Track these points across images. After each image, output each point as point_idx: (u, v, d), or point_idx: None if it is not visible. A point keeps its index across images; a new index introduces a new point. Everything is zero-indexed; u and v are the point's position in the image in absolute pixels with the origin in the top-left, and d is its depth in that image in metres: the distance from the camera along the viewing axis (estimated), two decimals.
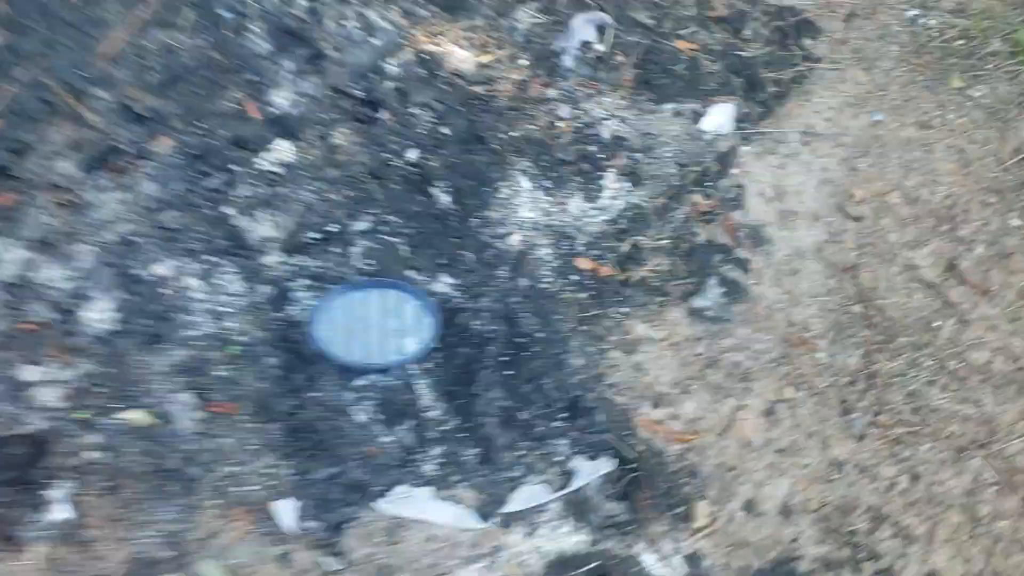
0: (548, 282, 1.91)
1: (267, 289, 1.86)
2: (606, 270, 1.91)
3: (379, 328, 1.82)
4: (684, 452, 1.73)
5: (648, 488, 1.67)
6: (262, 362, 1.80)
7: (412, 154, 1.98)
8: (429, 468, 1.73)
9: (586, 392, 1.80)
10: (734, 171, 2.09)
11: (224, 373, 1.79)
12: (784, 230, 2.01)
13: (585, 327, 1.87)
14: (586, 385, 1.81)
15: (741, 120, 2.17)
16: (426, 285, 1.88)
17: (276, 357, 1.81)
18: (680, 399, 1.78)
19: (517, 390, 1.79)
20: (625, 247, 1.94)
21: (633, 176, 2.02)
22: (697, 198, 2.03)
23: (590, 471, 1.70)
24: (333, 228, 1.88)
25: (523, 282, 1.91)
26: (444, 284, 1.89)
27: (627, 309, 1.89)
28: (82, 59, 1.99)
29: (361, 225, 1.90)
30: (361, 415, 1.78)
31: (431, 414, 1.77)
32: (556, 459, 1.73)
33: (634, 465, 1.69)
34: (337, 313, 1.81)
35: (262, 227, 1.90)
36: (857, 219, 2.04)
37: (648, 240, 1.96)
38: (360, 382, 1.80)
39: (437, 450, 1.75)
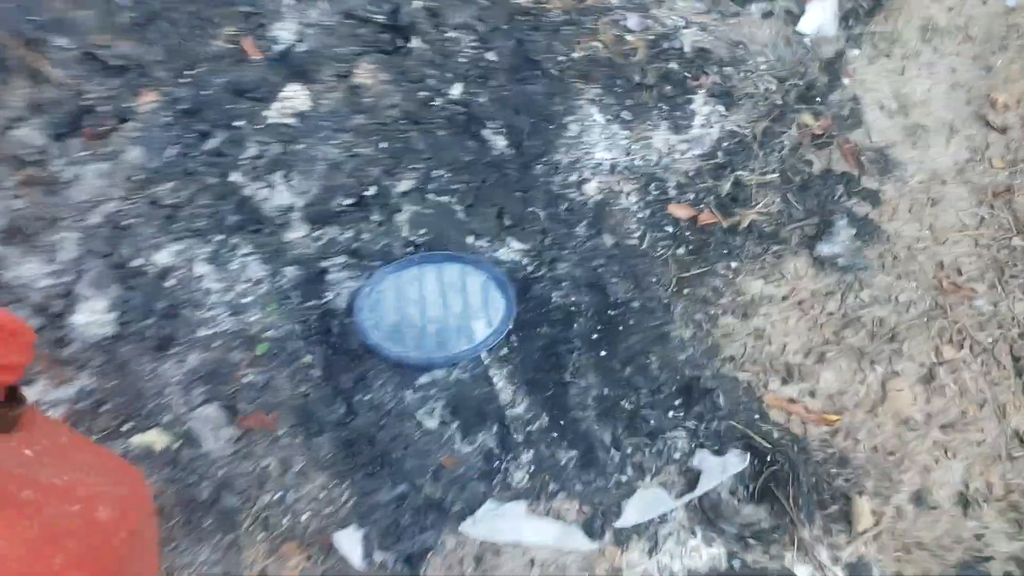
0: (637, 237, 1.55)
1: (295, 271, 1.50)
2: (706, 217, 1.55)
3: (440, 312, 1.47)
4: (830, 436, 1.41)
5: (792, 485, 1.35)
6: (299, 362, 1.45)
7: (455, 90, 1.59)
8: (519, 478, 1.41)
9: (700, 370, 1.47)
10: (845, 81, 1.71)
11: (254, 378, 1.45)
12: (915, 149, 1.64)
13: (688, 289, 1.52)
14: (698, 361, 1.48)
15: (846, 17, 1.78)
16: (490, 254, 1.52)
17: (315, 355, 1.46)
18: (815, 370, 1.45)
19: (615, 374, 1.46)
20: (726, 186, 1.57)
21: (726, 97, 1.64)
22: (805, 118, 1.65)
23: (718, 469, 1.37)
24: (368, 191, 1.51)
25: (607, 240, 1.55)
26: (512, 250, 1.53)
27: (737, 263, 1.53)
28: (33, 1, 1.57)
29: (403, 185, 1.53)
30: (428, 419, 1.45)
31: (514, 411, 1.44)
32: (674, 457, 1.41)
33: (771, 457, 1.37)
34: (386, 297, 1.46)
35: (280, 194, 1.52)
36: (1003, 130, 1.66)
37: (752, 175, 1.59)
38: (423, 379, 1.46)
39: (526, 455, 1.42)
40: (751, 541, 1.36)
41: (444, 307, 1.50)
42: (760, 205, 1.60)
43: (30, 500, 0.62)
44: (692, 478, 1.43)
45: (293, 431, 1.47)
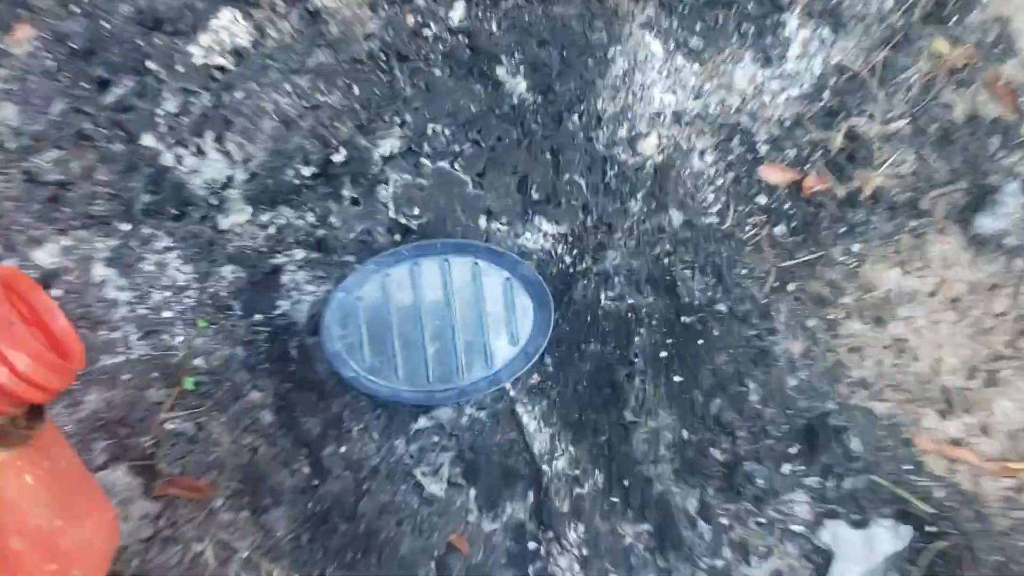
0: (717, 213, 1.09)
1: (235, 272, 1.04)
2: (814, 181, 1.08)
3: (444, 326, 1.01)
4: (1015, 494, 0.94)
5: (969, 568, 0.88)
6: (242, 402, 0.99)
7: (455, 12, 1.12)
8: (566, 567, 0.94)
9: (820, 401, 1.01)
10: None
11: (179, 426, 1.00)
12: None
13: (795, 284, 1.07)
14: (816, 388, 1.03)
15: None
16: (513, 241, 1.07)
17: (265, 391, 1.00)
18: (985, 397, 0.99)
19: (698, 410, 1.03)
20: (837, 139, 1.11)
21: (830, 17, 1.17)
22: (938, 46, 1.19)
23: (860, 548, 0.91)
24: (337, 156, 1.04)
25: (675, 217, 1.09)
26: (542, 235, 1.08)
27: (861, 245, 1.07)
28: None
29: (386, 146, 1.06)
30: (431, 481, 0.99)
31: (555, 467, 0.99)
32: (792, 530, 0.95)
33: (934, 528, 0.90)
34: (365, 307, 1.01)
35: (211, 164, 1.06)
36: None
37: (873, 124, 1.13)
38: (422, 423, 1.01)
39: (574, 532, 0.96)
40: None
41: (450, 320, 1.04)
42: (887, 165, 1.14)
43: (14, 552, 0.56)
44: (821, 563, 0.97)
45: (236, 502, 1.02)
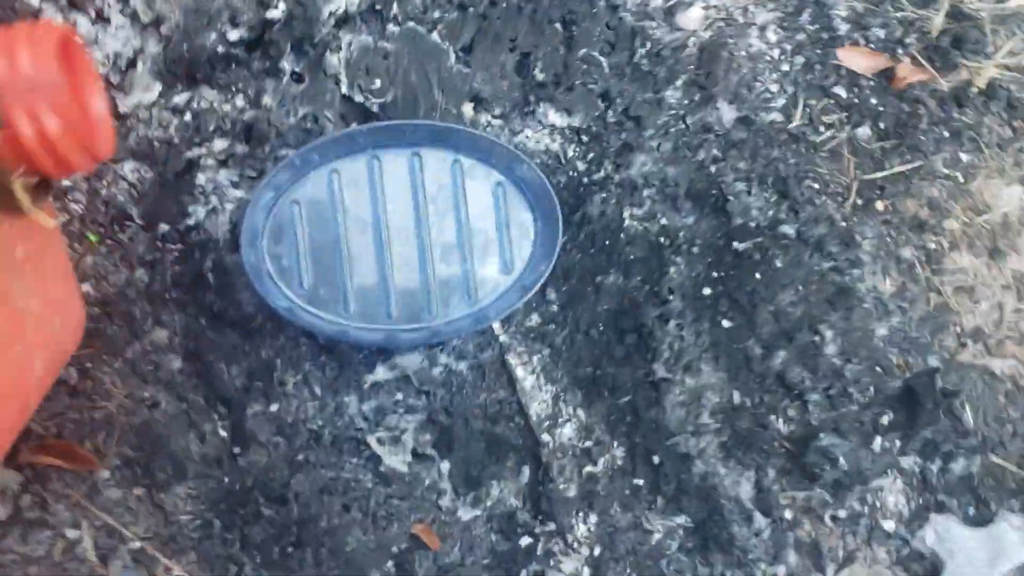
0: (781, 109, 0.81)
1: (136, 170, 0.76)
2: (909, 71, 0.81)
3: (414, 245, 0.72)
4: None
5: None
6: (142, 342, 0.71)
7: None
8: (572, 571, 0.67)
9: (920, 356, 0.75)
10: None
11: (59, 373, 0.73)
12: None
13: (884, 203, 0.80)
14: (914, 339, 0.75)
15: None
16: (509, 137, 0.79)
17: (171, 327, 0.73)
18: None
19: (753, 365, 0.76)
20: (938, 18, 0.83)
21: None
22: None
23: (979, 554, 0.63)
24: (275, 10, 0.75)
25: (725, 113, 0.81)
26: (548, 130, 0.82)
27: (971, 155, 0.79)
28: None
29: (338, 1, 0.77)
30: (392, 451, 0.72)
31: (557, 436, 0.72)
32: (884, 528, 0.68)
33: None
34: (307, 215, 0.73)
35: (111, 35, 0.77)
36: None
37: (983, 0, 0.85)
38: (382, 373, 0.74)
39: (584, 524, 0.70)
40: None
41: (421, 236, 0.76)
42: (1004, 51, 0.85)
43: None
44: (924, 574, 0.69)
45: (128, 474, 0.75)
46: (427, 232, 0.81)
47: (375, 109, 0.84)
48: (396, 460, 0.79)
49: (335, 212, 0.80)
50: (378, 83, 0.83)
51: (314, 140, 0.80)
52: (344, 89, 0.83)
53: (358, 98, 0.83)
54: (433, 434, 0.80)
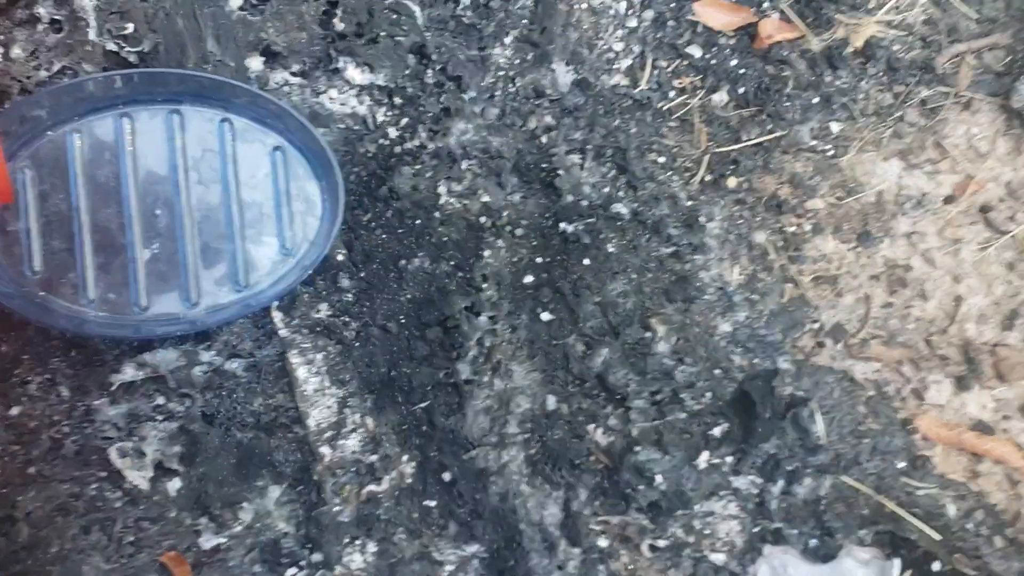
0: (626, 71, 0.71)
1: None
2: (775, 28, 0.70)
3: (167, 217, 0.61)
4: None
5: None
6: None
7: None
8: None
9: (767, 357, 0.63)
10: None
11: None
12: None
13: (738, 180, 0.69)
14: (762, 338, 0.66)
15: None
16: (301, 97, 0.68)
17: None
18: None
19: (574, 366, 0.63)
20: None
21: None
22: None
23: None
24: None
25: (562, 74, 0.70)
26: (349, 88, 0.69)
27: (842, 124, 0.69)
28: None
29: None
30: (134, 467, 0.59)
31: (339, 450, 0.60)
32: (711, 560, 0.56)
33: (941, 565, 0.52)
34: (36, 178, 0.62)
35: None
36: None
37: None
38: (129, 372, 0.62)
39: (363, 554, 0.59)
40: None
41: (179, 209, 0.66)
42: (887, 8, 0.75)
43: None
44: None
45: None
46: (187, 205, 0.70)
47: (131, 59, 0.73)
48: (137, 476, 0.68)
49: (71, 180, 0.69)
50: (131, 28, 0.72)
51: (39, 92, 0.69)
52: (92, 35, 0.72)
53: (110, 46, 0.72)
54: (185, 445, 0.69)
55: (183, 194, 0.70)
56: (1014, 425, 0.70)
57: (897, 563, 0.63)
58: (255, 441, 0.69)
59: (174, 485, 0.67)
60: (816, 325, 0.73)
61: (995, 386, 0.71)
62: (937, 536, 0.66)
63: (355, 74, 0.77)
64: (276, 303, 0.73)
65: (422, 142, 0.78)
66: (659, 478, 0.65)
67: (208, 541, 0.67)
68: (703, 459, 0.67)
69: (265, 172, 0.72)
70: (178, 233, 0.70)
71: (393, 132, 0.78)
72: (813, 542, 0.66)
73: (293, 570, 0.68)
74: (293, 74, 0.77)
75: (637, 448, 0.67)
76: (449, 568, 0.68)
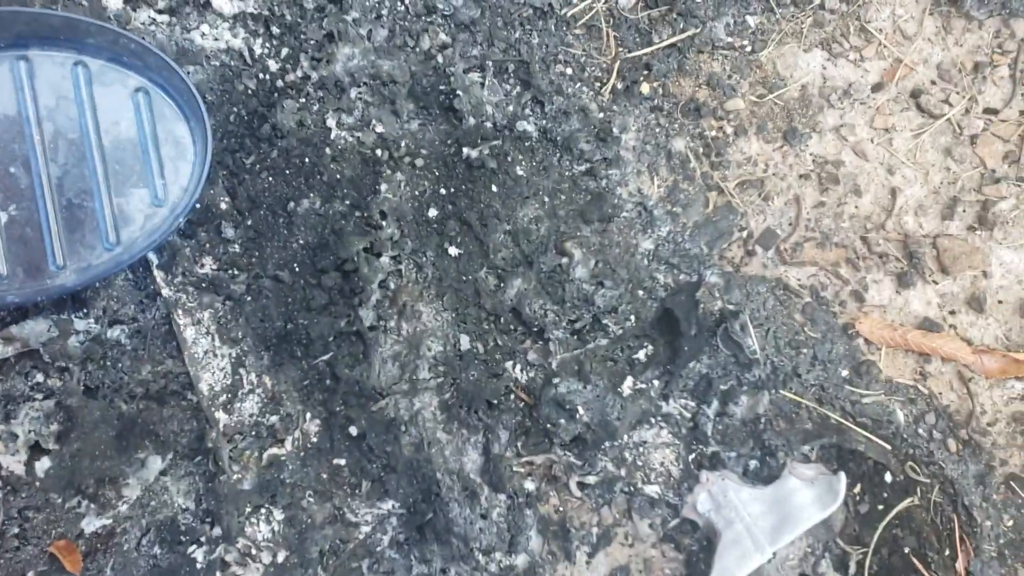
0: None
1: None
2: None
3: (22, 176, 0.55)
4: None
5: (949, 531, 0.47)
6: None
7: None
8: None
9: (690, 270, 0.58)
10: None
11: None
12: None
13: (650, 86, 0.63)
14: (686, 252, 0.60)
15: None
16: (180, 39, 0.62)
17: None
18: (972, 247, 0.56)
19: (486, 301, 0.57)
20: None
21: None
22: None
23: (760, 516, 0.48)
24: None
25: None
26: (230, 23, 0.64)
27: (758, 17, 0.65)
28: None
29: None
30: (8, 451, 0.53)
31: (237, 413, 0.55)
32: (646, 492, 0.52)
33: (891, 475, 0.48)
34: None
35: None
36: None
37: None
38: None
39: (269, 524, 0.52)
40: None
41: (35, 165, 0.59)
42: None
43: None
44: (697, 549, 0.55)
45: None
46: (44, 161, 0.64)
47: None
48: (11, 461, 0.62)
49: None
50: None
51: None
52: None
53: None
54: (62, 423, 0.63)
55: (39, 149, 0.64)
56: (961, 320, 0.66)
57: (843, 476, 0.59)
58: (140, 412, 0.64)
59: (43, 465, 0.61)
60: (744, 233, 0.68)
61: (939, 280, 0.67)
62: (887, 445, 0.62)
63: (224, 4, 0.70)
64: (156, 262, 0.67)
65: (305, 73, 0.72)
66: (581, 410, 0.61)
67: (90, 524, 0.61)
68: (627, 386, 0.63)
69: (128, 117, 0.66)
70: (37, 192, 0.64)
71: (273, 65, 0.72)
72: (753, 464, 0.62)
73: (196, 548, 0.63)
74: (159, 11, 0.71)
75: (556, 380, 0.62)
76: (365, 529, 0.63)
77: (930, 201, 0.68)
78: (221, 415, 0.65)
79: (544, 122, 0.71)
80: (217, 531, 0.62)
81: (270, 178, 0.70)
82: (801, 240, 0.68)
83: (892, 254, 0.67)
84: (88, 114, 0.65)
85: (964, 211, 0.68)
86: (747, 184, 0.69)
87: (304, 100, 0.72)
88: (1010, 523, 0.62)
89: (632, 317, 0.65)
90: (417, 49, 0.73)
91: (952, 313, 0.66)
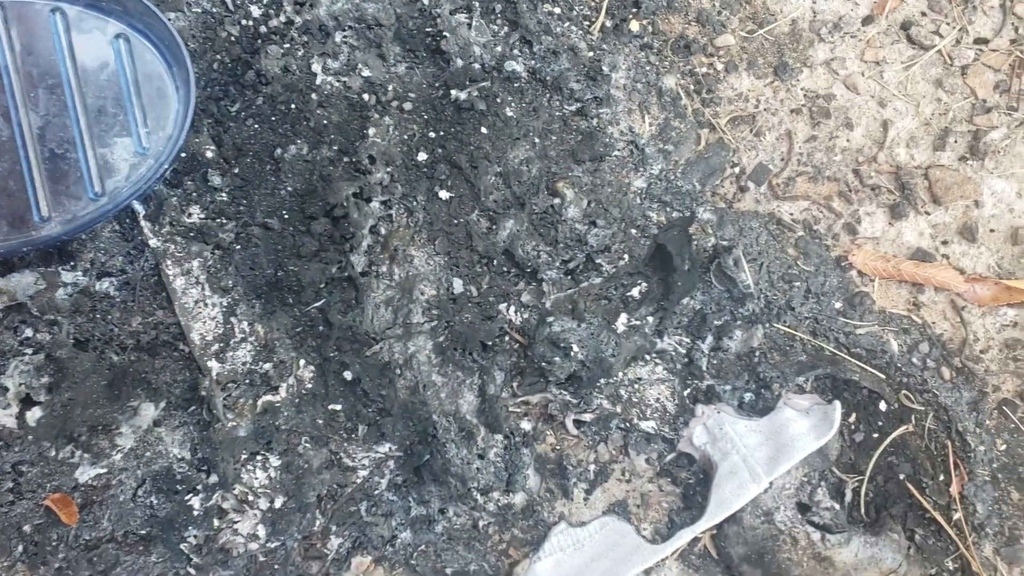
0: None
1: None
2: None
3: (5, 131, 0.59)
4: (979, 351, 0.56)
5: (943, 458, 0.49)
6: None
7: None
8: (249, 531, 0.52)
9: (683, 205, 0.60)
10: None
11: None
12: None
13: (640, 24, 0.66)
14: (678, 189, 0.63)
15: None
16: None
17: None
18: (964, 177, 0.58)
19: (478, 243, 0.59)
20: None
21: None
22: None
23: (756, 447, 0.50)
24: None
25: None
26: None
27: None
28: None
29: None
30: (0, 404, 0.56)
31: (229, 362, 0.57)
32: (641, 427, 0.54)
33: (886, 403, 0.51)
34: None
35: None
36: None
37: None
38: None
39: (265, 470, 0.55)
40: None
41: (14, 115, 0.60)
42: None
43: None
44: (694, 482, 0.57)
45: None
46: (23, 109, 0.65)
47: None
48: (3, 414, 0.64)
49: None
50: None
51: None
52: None
53: None
54: (52, 375, 0.65)
55: (19, 99, 0.65)
56: (954, 249, 0.68)
57: (838, 405, 0.61)
58: (132, 363, 0.65)
59: (34, 415, 0.62)
60: (736, 169, 0.70)
61: (931, 211, 0.68)
62: (881, 375, 0.64)
63: None
64: (143, 212, 0.68)
65: (289, 17, 0.72)
66: (575, 348, 0.62)
67: (84, 474, 0.63)
68: (622, 323, 0.64)
69: (109, 65, 0.66)
70: (19, 143, 0.65)
71: (255, 10, 0.72)
72: (748, 396, 0.64)
73: (192, 496, 0.64)
74: None
75: (550, 319, 0.63)
76: (363, 473, 0.65)
77: (921, 132, 0.70)
78: (214, 364, 0.66)
79: (533, 62, 0.72)
80: (213, 479, 0.64)
81: (256, 125, 0.71)
82: (793, 175, 0.70)
83: (884, 186, 0.69)
84: (68, 62, 0.66)
85: (955, 142, 0.69)
86: (738, 120, 0.71)
87: (288, 46, 0.72)
88: (1003, 447, 0.64)
89: (625, 256, 0.67)
90: None
91: (944, 243, 0.68)
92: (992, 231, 0.68)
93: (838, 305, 0.66)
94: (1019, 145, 0.69)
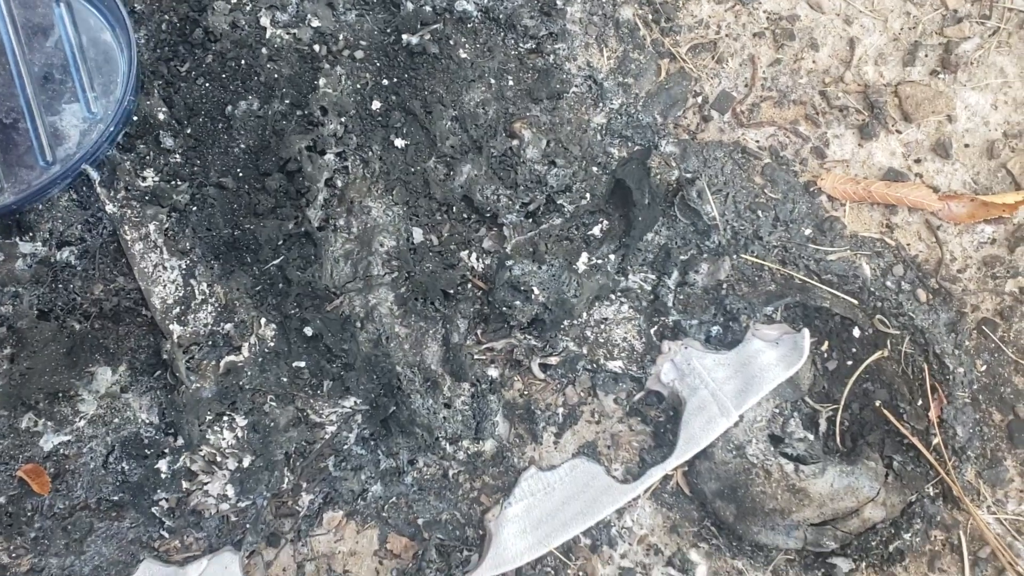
0: None
1: None
2: None
3: None
4: (1008, 249, 0.55)
5: (920, 383, 0.50)
6: None
7: None
8: (218, 492, 0.54)
9: (644, 138, 0.60)
10: None
11: None
12: None
13: None
14: (639, 122, 0.62)
15: None
16: None
17: None
18: (937, 92, 0.58)
19: (435, 190, 0.61)
20: None
21: None
22: None
23: (724, 381, 0.51)
24: None
25: None
26: None
27: None
28: None
29: None
30: None
31: (192, 322, 0.59)
32: (609, 368, 0.55)
33: (859, 329, 0.51)
34: None
35: None
36: None
37: None
38: None
39: (233, 431, 0.58)
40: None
41: None
42: None
43: None
44: (664, 420, 0.58)
45: None
46: None
47: None
48: None
49: None
50: None
51: None
52: None
53: None
54: (13, 347, 0.67)
55: None
56: (927, 167, 0.68)
57: (806, 333, 0.61)
58: (96, 331, 0.67)
59: (19, 384, 0.65)
60: (699, 99, 0.70)
61: (902, 129, 0.68)
62: (853, 300, 0.64)
63: None
64: (98, 178, 0.70)
65: None
66: (536, 290, 0.63)
67: (48, 442, 0.65)
68: (583, 262, 0.65)
69: (52, 31, 0.68)
70: None
71: None
72: (716, 329, 0.65)
73: (160, 461, 0.66)
74: None
75: (510, 263, 0.64)
76: (330, 428, 0.66)
77: (890, 48, 0.69)
78: (175, 327, 0.68)
79: (485, 0, 0.72)
80: (180, 442, 0.66)
81: (206, 84, 0.72)
82: (758, 100, 0.69)
83: (852, 106, 0.69)
84: (10, 31, 0.67)
85: (926, 55, 0.69)
86: (699, 48, 0.71)
87: (236, 1, 0.73)
88: (983, 368, 0.64)
89: (587, 195, 0.68)
90: None
91: (917, 161, 0.68)
92: (967, 146, 0.68)
93: (808, 232, 0.67)
94: (993, 55, 0.68)
